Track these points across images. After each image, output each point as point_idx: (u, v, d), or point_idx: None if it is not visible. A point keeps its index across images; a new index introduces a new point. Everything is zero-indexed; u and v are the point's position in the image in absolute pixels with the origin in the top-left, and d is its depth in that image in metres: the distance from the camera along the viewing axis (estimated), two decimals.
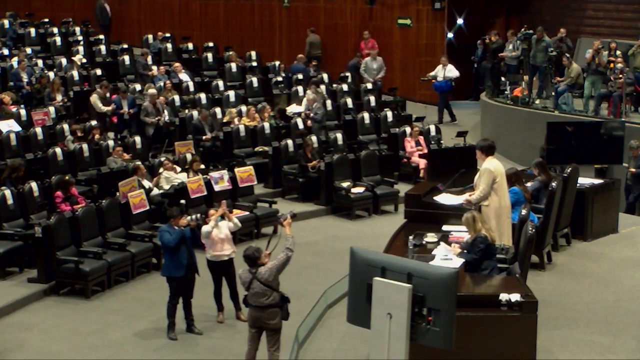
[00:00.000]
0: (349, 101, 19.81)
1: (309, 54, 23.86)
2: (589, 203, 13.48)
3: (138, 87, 19.63)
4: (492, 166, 10.77)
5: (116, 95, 18.52)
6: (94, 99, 17.97)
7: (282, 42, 25.38)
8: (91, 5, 26.91)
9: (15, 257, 12.66)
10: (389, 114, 19.27)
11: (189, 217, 11.07)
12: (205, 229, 11.01)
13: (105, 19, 25.45)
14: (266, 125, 17.75)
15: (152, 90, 18.20)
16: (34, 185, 13.58)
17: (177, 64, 21.06)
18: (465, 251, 9.53)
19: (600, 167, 15.35)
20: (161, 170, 14.83)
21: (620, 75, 18.58)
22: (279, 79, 20.91)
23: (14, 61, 20.14)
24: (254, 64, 22.47)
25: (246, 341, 9.59)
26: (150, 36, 24.09)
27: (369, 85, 21.34)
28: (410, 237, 10.11)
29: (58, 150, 15.45)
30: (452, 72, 21.45)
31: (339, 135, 17.65)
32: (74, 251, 12.37)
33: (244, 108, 18.48)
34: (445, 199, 11.39)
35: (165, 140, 17.17)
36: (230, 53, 22.51)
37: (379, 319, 6.67)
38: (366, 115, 18.88)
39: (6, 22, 23.68)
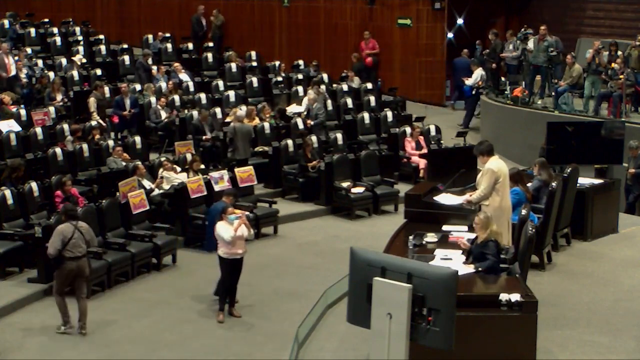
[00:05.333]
0: (349, 101, 19.81)
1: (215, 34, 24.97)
2: (589, 203, 13.48)
3: (138, 87, 19.64)
4: (495, 166, 10.75)
5: (118, 94, 18.53)
6: (91, 101, 17.95)
7: (282, 42, 25.38)
8: (91, 6, 26.92)
9: (15, 257, 12.65)
10: (389, 114, 19.28)
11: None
12: (229, 234, 11.09)
13: (202, 32, 25.32)
14: (266, 125, 17.75)
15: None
16: (34, 185, 13.57)
17: (177, 64, 21.07)
18: (473, 256, 9.51)
19: (600, 167, 15.35)
20: (161, 170, 14.82)
21: (621, 76, 18.59)
22: (279, 79, 20.91)
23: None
24: (254, 64, 22.48)
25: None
26: (150, 36, 24.09)
27: (369, 85, 21.36)
28: (410, 237, 10.11)
29: (58, 150, 15.44)
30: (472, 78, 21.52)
31: (339, 135, 17.65)
32: None
33: (243, 108, 18.47)
34: (445, 199, 11.39)
35: (165, 140, 17.19)
36: (230, 53, 22.52)
37: (379, 319, 6.68)
38: (366, 115, 18.88)
39: (6, 22, 23.65)
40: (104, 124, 17.69)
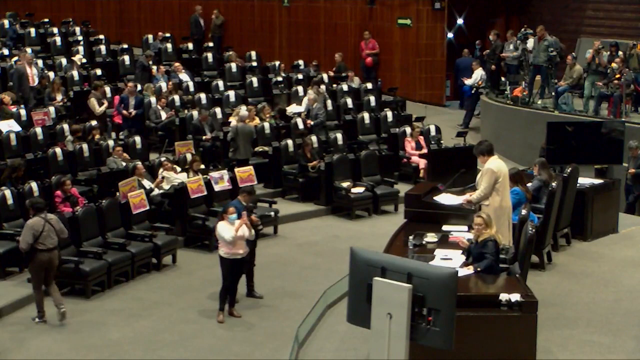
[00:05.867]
0: (349, 101, 19.82)
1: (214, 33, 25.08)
2: (589, 203, 13.48)
3: (138, 87, 19.62)
4: (494, 166, 10.74)
5: (123, 92, 18.53)
6: (92, 102, 17.96)
7: (282, 42, 25.38)
8: (91, 6, 26.93)
9: (15, 257, 12.63)
10: (389, 114, 19.28)
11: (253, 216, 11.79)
12: (230, 234, 11.08)
13: (200, 32, 25.27)
14: (266, 125, 17.74)
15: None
16: (34, 185, 13.57)
17: (177, 64, 21.06)
18: (472, 256, 9.50)
19: (600, 167, 15.35)
20: (161, 170, 14.83)
21: (618, 76, 18.60)
22: (279, 79, 20.91)
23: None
24: (254, 64, 22.48)
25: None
26: (150, 36, 24.09)
27: (369, 85, 21.37)
28: (410, 237, 10.11)
29: (58, 150, 15.44)
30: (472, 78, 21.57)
31: (339, 135, 17.65)
32: (74, 251, 12.37)
33: (243, 107, 18.46)
34: (445, 199, 11.38)
35: (165, 140, 17.19)
36: (230, 53, 22.53)
37: (379, 319, 6.68)
38: (366, 115, 18.88)
39: (6, 22, 23.65)
40: (105, 102, 17.76)
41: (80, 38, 22.96)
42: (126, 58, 21.72)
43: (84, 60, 21.12)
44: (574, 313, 10.79)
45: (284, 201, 16.09)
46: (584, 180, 13.76)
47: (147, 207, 13.62)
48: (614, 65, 19.00)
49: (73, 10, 26.59)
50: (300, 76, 21.34)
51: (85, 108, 18.22)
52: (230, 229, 11.11)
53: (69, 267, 12.06)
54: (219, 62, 22.34)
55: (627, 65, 19.07)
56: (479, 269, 9.29)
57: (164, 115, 18.33)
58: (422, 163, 17.26)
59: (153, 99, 18.73)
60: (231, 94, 19.65)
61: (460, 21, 24.23)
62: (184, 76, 20.58)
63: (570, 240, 13.30)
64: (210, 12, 25.48)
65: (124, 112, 18.05)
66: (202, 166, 15.30)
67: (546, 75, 20.09)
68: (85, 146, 15.78)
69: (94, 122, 17.11)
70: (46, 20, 24.53)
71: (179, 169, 15.18)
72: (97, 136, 16.48)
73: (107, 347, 10.68)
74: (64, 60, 20.96)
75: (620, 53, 19.59)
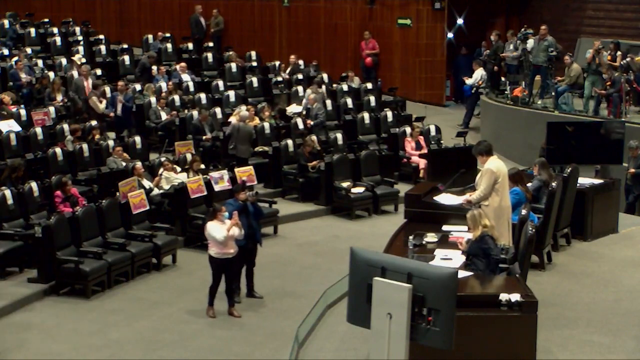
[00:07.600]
0: (349, 101, 19.82)
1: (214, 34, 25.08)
2: (589, 203, 13.47)
3: (138, 87, 19.63)
4: (494, 166, 10.73)
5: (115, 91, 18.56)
6: (94, 100, 17.96)
7: (282, 42, 25.38)
8: (91, 6, 26.92)
9: (15, 257, 12.65)
10: (389, 114, 19.28)
11: (248, 193, 11.89)
12: (222, 234, 11.09)
13: (201, 32, 25.18)
14: (266, 125, 17.75)
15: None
16: (34, 185, 13.57)
17: (182, 64, 21.02)
18: (471, 254, 9.50)
19: (595, 167, 15.35)
20: (161, 170, 14.83)
21: (609, 83, 18.59)
22: (279, 79, 20.90)
23: (14, 61, 20.12)
24: (254, 64, 22.49)
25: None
26: (150, 36, 24.09)
27: (369, 85, 21.37)
28: (410, 237, 10.10)
29: (58, 150, 15.44)
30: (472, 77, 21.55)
31: (339, 135, 17.65)
32: (74, 251, 12.38)
33: (243, 107, 18.47)
34: (445, 199, 11.38)
35: (165, 140, 17.19)
36: (230, 53, 22.53)
37: (379, 319, 6.67)
38: (366, 115, 18.89)
39: (6, 22, 23.66)
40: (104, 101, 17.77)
41: (80, 38, 22.98)
42: (126, 58, 21.74)
43: (84, 60, 21.11)
44: (574, 313, 10.79)
45: (284, 201, 16.09)
46: (584, 180, 13.75)
47: (147, 207, 13.63)
48: (604, 74, 18.89)
49: (73, 10, 26.59)
50: (300, 76, 21.34)
51: (86, 108, 18.21)
52: (221, 229, 11.11)
53: (69, 267, 12.08)
54: (219, 62, 22.36)
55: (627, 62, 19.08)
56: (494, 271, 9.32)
57: (164, 115, 18.33)
58: (422, 163, 17.26)
59: (153, 99, 18.74)
60: (231, 94, 19.65)
61: (460, 21, 24.23)
62: (186, 76, 20.57)
63: (570, 240, 13.29)
64: (210, 12, 25.48)
65: (110, 114, 18.05)
66: (202, 166, 15.30)
67: (546, 75, 20.08)
68: (85, 146, 15.79)
69: (94, 122, 17.12)
70: (46, 20, 24.55)
71: (179, 169, 15.18)
72: (97, 136, 16.49)
73: (107, 347, 10.68)
74: (64, 60, 20.97)
75: (619, 53, 19.57)
